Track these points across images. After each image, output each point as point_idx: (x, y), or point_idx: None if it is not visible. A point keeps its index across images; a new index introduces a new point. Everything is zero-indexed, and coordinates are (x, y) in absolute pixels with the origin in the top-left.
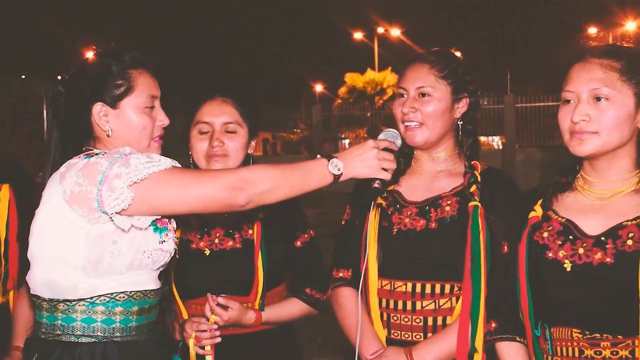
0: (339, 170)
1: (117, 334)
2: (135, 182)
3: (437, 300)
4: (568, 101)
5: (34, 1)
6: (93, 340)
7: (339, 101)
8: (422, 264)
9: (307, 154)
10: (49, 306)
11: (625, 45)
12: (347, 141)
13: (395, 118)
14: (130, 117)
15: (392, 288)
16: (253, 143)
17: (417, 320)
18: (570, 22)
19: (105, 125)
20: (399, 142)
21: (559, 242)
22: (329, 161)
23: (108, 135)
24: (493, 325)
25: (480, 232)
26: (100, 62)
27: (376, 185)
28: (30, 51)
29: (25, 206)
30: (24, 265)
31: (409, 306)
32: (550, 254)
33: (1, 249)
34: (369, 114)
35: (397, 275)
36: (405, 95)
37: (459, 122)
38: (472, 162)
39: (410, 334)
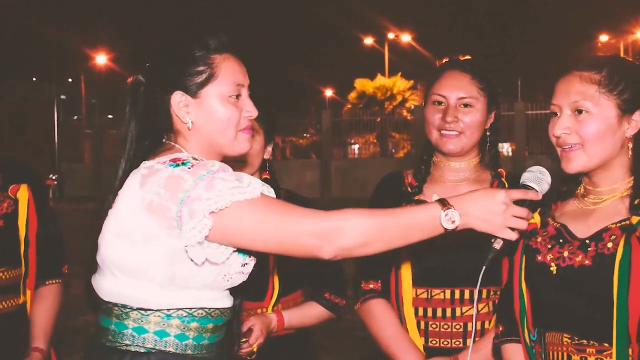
0: (453, 223)
1: (189, 352)
2: (215, 212)
3: (476, 306)
4: (555, 114)
5: (44, 5)
6: (164, 354)
7: (349, 106)
8: (459, 271)
9: (316, 158)
10: (120, 313)
11: (609, 55)
12: (356, 146)
13: (428, 123)
14: (212, 107)
15: (430, 296)
16: (269, 148)
17: (457, 327)
18: (581, 29)
19: (186, 116)
20: (545, 186)
21: (549, 246)
22: (443, 211)
23: (189, 128)
24: (500, 328)
25: None
26: (180, 47)
27: (495, 245)
28: (41, 54)
29: (41, 207)
30: (42, 265)
31: (448, 313)
32: (539, 257)
33: (21, 248)
34: (378, 120)
35: (434, 283)
36: (443, 103)
37: (487, 133)
38: (499, 170)
39: (449, 340)
